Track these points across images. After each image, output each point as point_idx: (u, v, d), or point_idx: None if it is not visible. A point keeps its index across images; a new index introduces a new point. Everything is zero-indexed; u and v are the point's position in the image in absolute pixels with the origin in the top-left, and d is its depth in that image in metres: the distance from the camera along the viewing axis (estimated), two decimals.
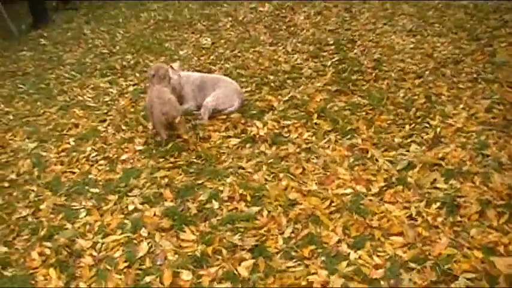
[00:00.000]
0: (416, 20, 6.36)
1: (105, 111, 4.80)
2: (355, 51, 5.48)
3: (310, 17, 6.99)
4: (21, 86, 5.97)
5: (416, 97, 4.25)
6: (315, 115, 4.05)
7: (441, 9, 6.68)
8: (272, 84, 4.78)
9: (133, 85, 5.38)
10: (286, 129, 3.94)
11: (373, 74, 4.79)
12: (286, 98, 4.43)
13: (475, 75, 4.54)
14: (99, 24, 8.22)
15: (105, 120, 4.59)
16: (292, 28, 6.61)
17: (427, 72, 4.71)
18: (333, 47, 5.71)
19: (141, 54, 6.34)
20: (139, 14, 8.52)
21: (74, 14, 9.33)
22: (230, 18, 7.43)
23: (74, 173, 3.80)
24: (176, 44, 6.59)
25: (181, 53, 6.17)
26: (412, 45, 5.49)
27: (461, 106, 4.00)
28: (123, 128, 4.37)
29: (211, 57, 5.85)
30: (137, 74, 5.69)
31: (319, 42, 5.89)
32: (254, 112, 4.25)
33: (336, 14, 6.97)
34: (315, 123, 3.96)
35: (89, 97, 5.23)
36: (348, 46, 5.68)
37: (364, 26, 6.32)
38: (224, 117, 4.25)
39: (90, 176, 3.70)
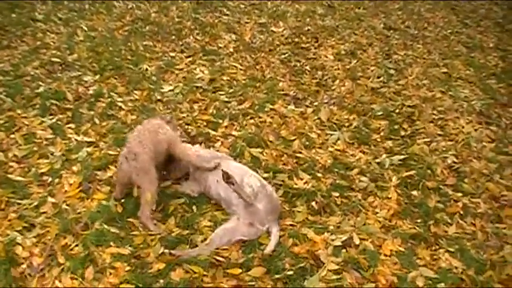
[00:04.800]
0: (480, 92, 4.89)
1: (36, 201, 2.91)
2: (418, 141, 3.84)
3: (341, 58, 5.29)
4: None
5: None
6: None
7: (502, 77, 5.20)
8: (311, 201, 3.04)
9: (89, 144, 3.48)
10: None
11: (458, 203, 3.19)
12: (338, 242, 2.71)
13: None
14: (57, 7, 6.10)
15: (31, 227, 2.72)
16: (319, 72, 4.88)
17: None
18: (383, 122, 4.08)
19: (107, 79, 4.39)
20: (112, 1, 6.45)
21: None
22: (233, 36, 5.58)
23: None
24: (159, 69, 4.68)
25: (165, 89, 4.31)
26: (492, 144, 3.95)
27: None
28: (61, 261, 2.53)
29: (210, 110, 4.02)
30: (96, 120, 3.77)
31: (363, 109, 4.23)
32: (289, 273, 2.51)
33: (375, 59, 5.33)
34: None
35: (14, 157, 3.31)
36: (405, 127, 4.05)
37: (417, 91, 4.71)
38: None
39: None
